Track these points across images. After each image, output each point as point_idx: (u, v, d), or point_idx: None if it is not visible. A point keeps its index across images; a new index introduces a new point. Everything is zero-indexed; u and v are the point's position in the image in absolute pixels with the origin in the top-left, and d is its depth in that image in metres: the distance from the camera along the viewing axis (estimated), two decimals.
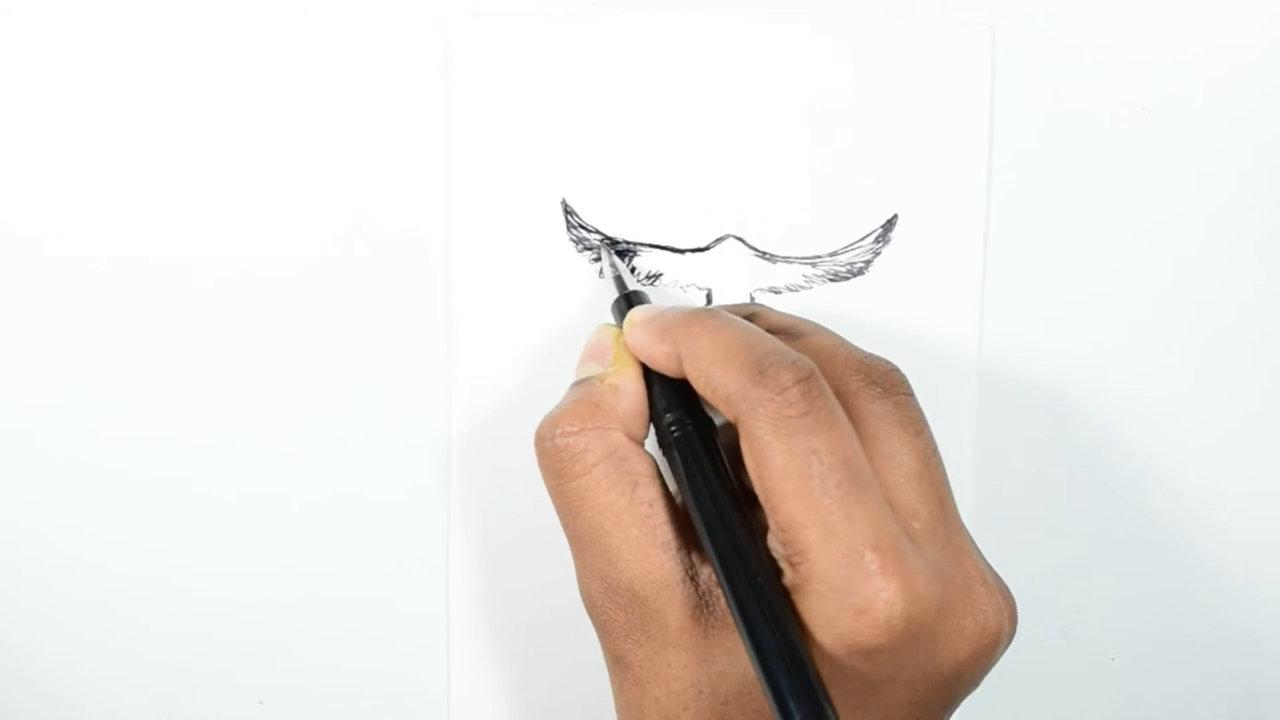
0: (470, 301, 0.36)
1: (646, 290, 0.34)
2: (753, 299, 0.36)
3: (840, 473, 0.26)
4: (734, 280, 0.36)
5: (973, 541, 0.29)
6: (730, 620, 0.28)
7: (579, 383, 0.31)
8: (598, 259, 0.36)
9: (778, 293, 0.37)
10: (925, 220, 0.37)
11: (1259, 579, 0.40)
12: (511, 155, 0.36)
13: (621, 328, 0.32)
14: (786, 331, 0.32)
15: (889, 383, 0.30)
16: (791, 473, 0.26)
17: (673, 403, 0.30)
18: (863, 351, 0.31)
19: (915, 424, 0.29)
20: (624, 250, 0.36)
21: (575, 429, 0.30)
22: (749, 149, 0.36)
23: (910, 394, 0.30)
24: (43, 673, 0.37)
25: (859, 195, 0.36)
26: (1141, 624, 0.38)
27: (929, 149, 0.36)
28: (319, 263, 0.36)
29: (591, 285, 0.36)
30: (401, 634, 0.38)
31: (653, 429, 0.31)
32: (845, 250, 0.37)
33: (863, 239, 0.37)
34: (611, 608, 0.29)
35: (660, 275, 0.36)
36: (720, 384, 0.28)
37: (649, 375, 0.31)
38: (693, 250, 0.36)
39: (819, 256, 0.37)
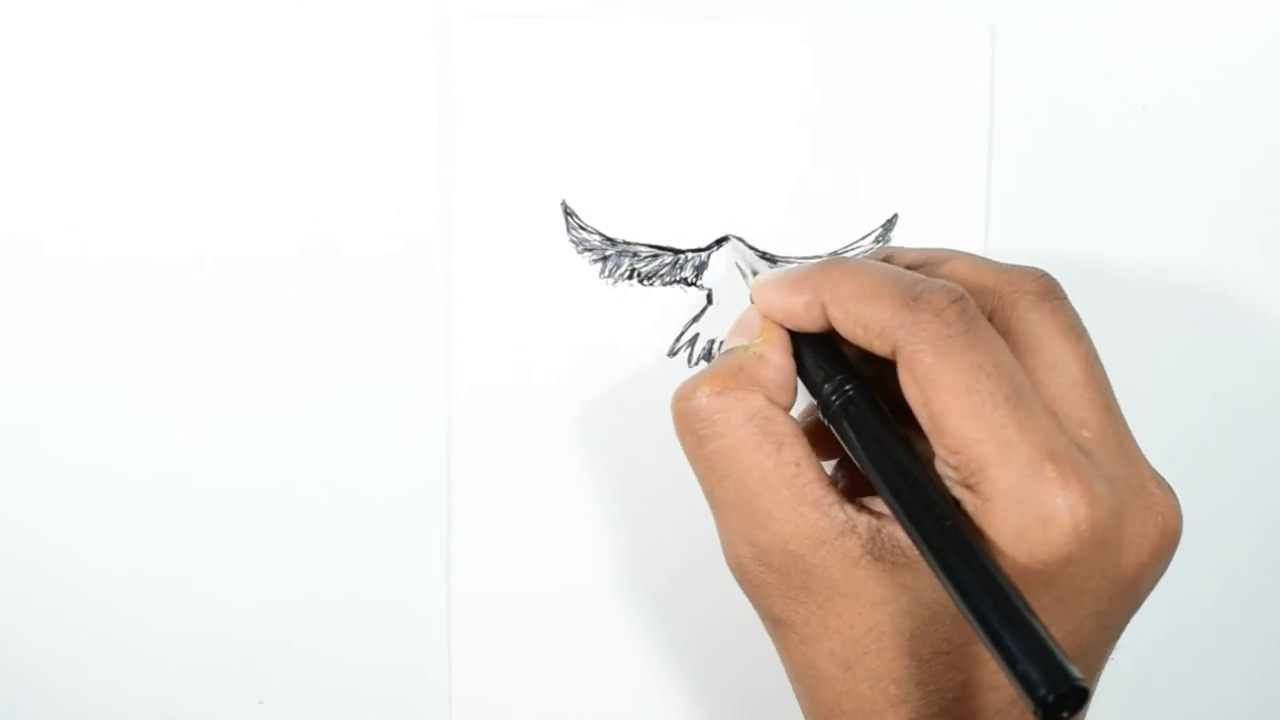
0: (471, 301, 0.36)
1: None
2: (753, 299, 0.36)
3: (1007, 387, 0.26)
4: (734, 280, 0.36)
5: (1137, 444, 0.29)
6: (901, 558, 0.27)
7: (722, 353, 0.31)
8: (598, 259, 0.36)
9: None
10: (925, 220, 0.37)
11: (1259, 579, 0.40)
12: (512, 156, 0.36)
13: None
14: (926, 263, 0.32)
15: (1042, 289, 0.29)
16: (960, 390, 0.26)
17: (828, 371, 0.30)
18: (1010, 264, 0.30)
19: (1074, 329, 0.29)
20: (624, 250, 0.36)
21: (716, 390, 0.29)
22: (749, 149, 0.36)
23: (1064, 298, 0.30)
24: (43, 673, 0.37)
25: (859, 195, 0.36)
26: (1141, 624, 0.38)
27: (929, 149, 0.36)
28: (320, 263, 0.36)
29: (592, 285, 0.36)
30: (402, 634, 0.38)
31: (812, 403, 0.31)
32: (845, 250, 0.37)
33: (863, 239, 0.37)
34: (764, 570, 0.29)
35: (660, 275, 0.36)
36: (872, 318, 0.28)
37: (799, 351, 0.31)
38: (693, 250, 0.36)
39: (819, 256, 0.37)
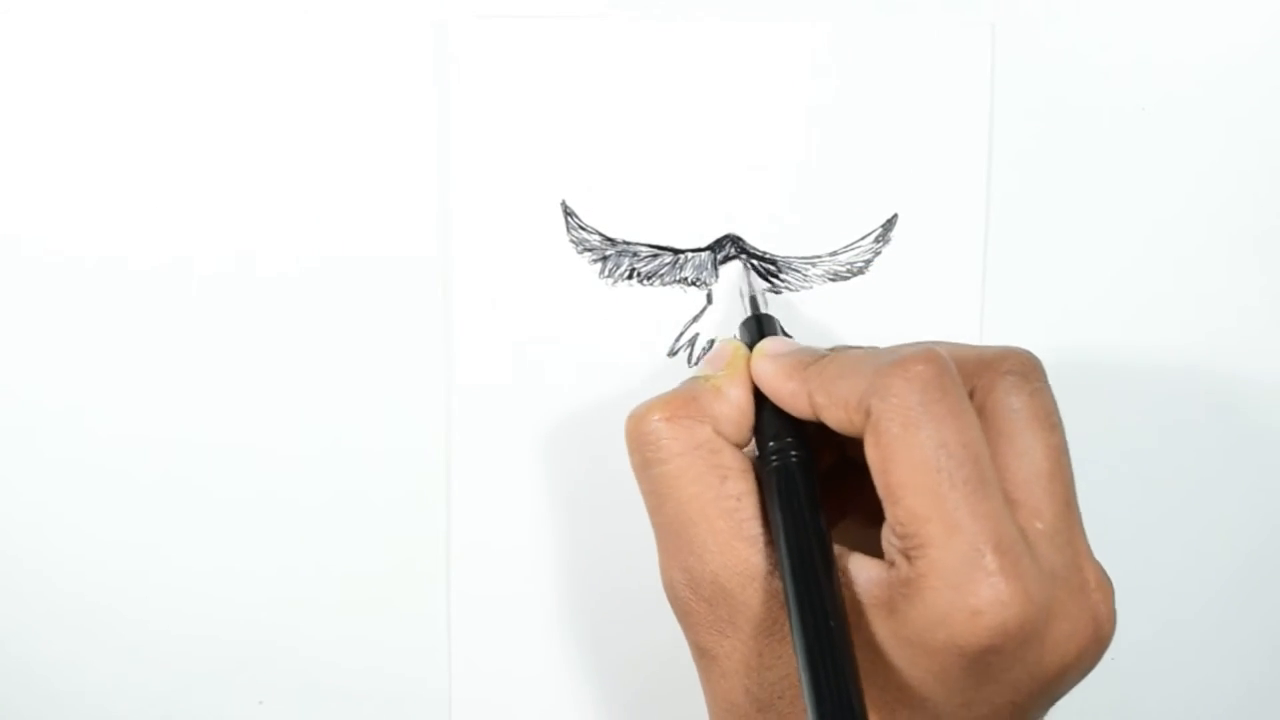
0: (470, 301, 0.36)
1: (774, 318, 0.34)
2: (753, 299, 0.36)
3: (967, 469, 0.26)
4: (734, 280, 0.36)
5: (1088, 542, 0.29)
6: None
7: (684, 381, 0.32)
8: (598, 259, 0.36)
9: (778, 293, 0.37)
10: (925, 220, 0.37)
11: (1259, 579, 0.40)
12: (511, 156, 0.36)
13: (744, 341, 0.33)
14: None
15: (1024, 369, 0.29)
16: (919, 466, 0.26)
17: (779, 430, 0.30)
18: (992, 346, 0.30)
19: (1050, 419, 0.29)
20: (624, 250, 0.36)
21: (665, 416, 0.30)
22: (749, 149, 0.36)
23: (1044, 382, 0.29)
24: (43, 673, 0.37)
25: (859, 195, 0.36)
26: (1142, 624, 0.38)
27: (929, 149, 0.36)
28: (319, 264, 0.36)
29: (592, 285, 0.36)
30: (402, 634, 0.38)
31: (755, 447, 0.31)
32: (845, 250, 0.37)
33: (863, 239, 0.37)
34: (694, 599, 0.29)
35: (660, 275, 0.36)
36: (850, 391, 0.28)
37: (760, 397, 0.31)
38: (693, 250, 0.36)
39: (819, 256, 0.37)
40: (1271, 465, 0.39)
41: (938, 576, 0.26)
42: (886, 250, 0.37)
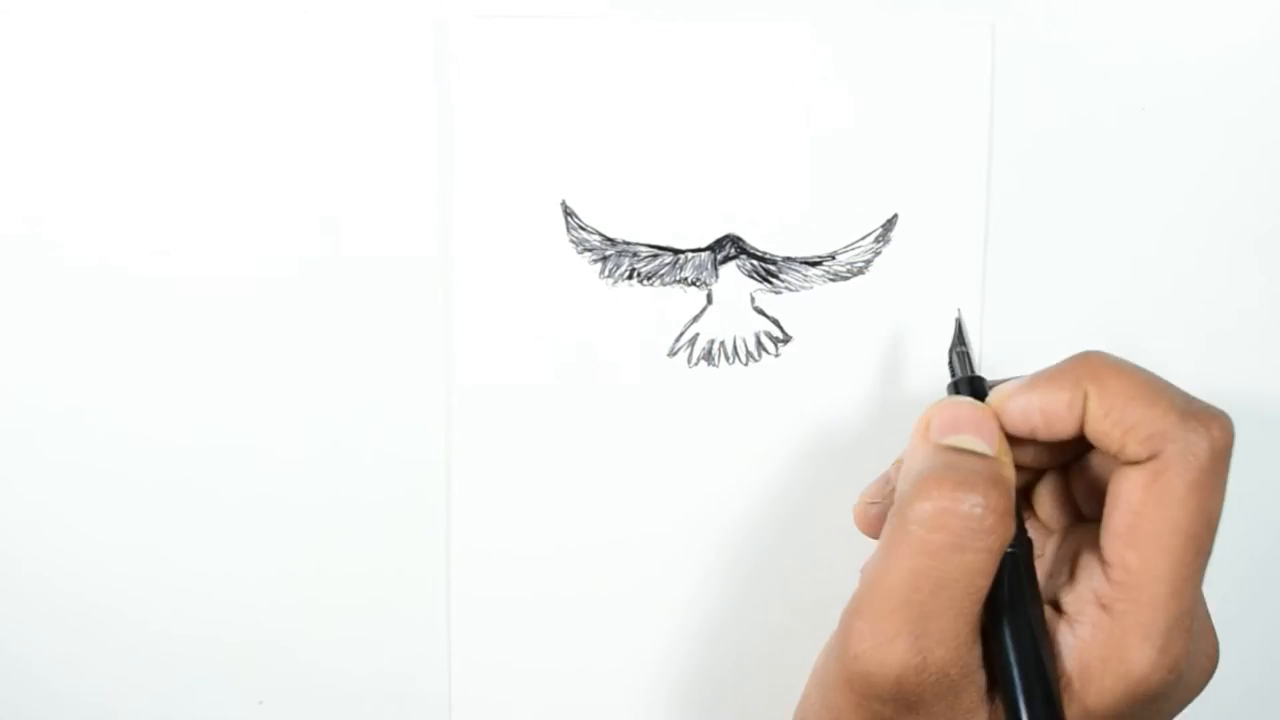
0: (471, 301, 0.36)
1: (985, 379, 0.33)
2: (753, 299, 0.36)
3: (1209, 543, 0.27)
4: (734, 281, 0.36)
5: None
6: None
7: (976, 454, 0.29)
8: (598, 259, 0.36)
9: (777, 293, 0.37)
10: (925, 220, 0.37)
11: (1260, 580, 0.40)
12: (512, 156, 0.36)
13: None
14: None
15: (1228, 437, 0.28)
16: (1182, 530, 0.26)
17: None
18: (1193, 399, 0.29)
19: (1223, 484, 0.28)
20: (624, 250, 0.36)
21: (1000, 509, 0.27)
22: (749, 149, 0.36)
23: (1228, 450, 0.28)
24: (43, 673, 0.37)
25: (859, 195, 0.36)
26: None
27: (929, 149, 0.36)
28: (319, 265, 0.36)
29: (592, 285, 0.36)
30: (402, 635, 0.38)
31: None
32: (845, 250, 0.37)
33: (863, 239, 0.37)
34: (918, 685, 0.28)
35: (660, 275, 0.36)
36: (1142, 422, 0.27)
37: None
38: (693, 250, 0.36)
39: (819, 256, 0.37)
40: (1272, 465, 0.39)
41: (1137, 632, 0.26)
42: (886, 250, 0.37)
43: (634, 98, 0.36)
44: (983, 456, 0.28)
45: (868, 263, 0.37)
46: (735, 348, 0.37)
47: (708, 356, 0.37)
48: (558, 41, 0.35)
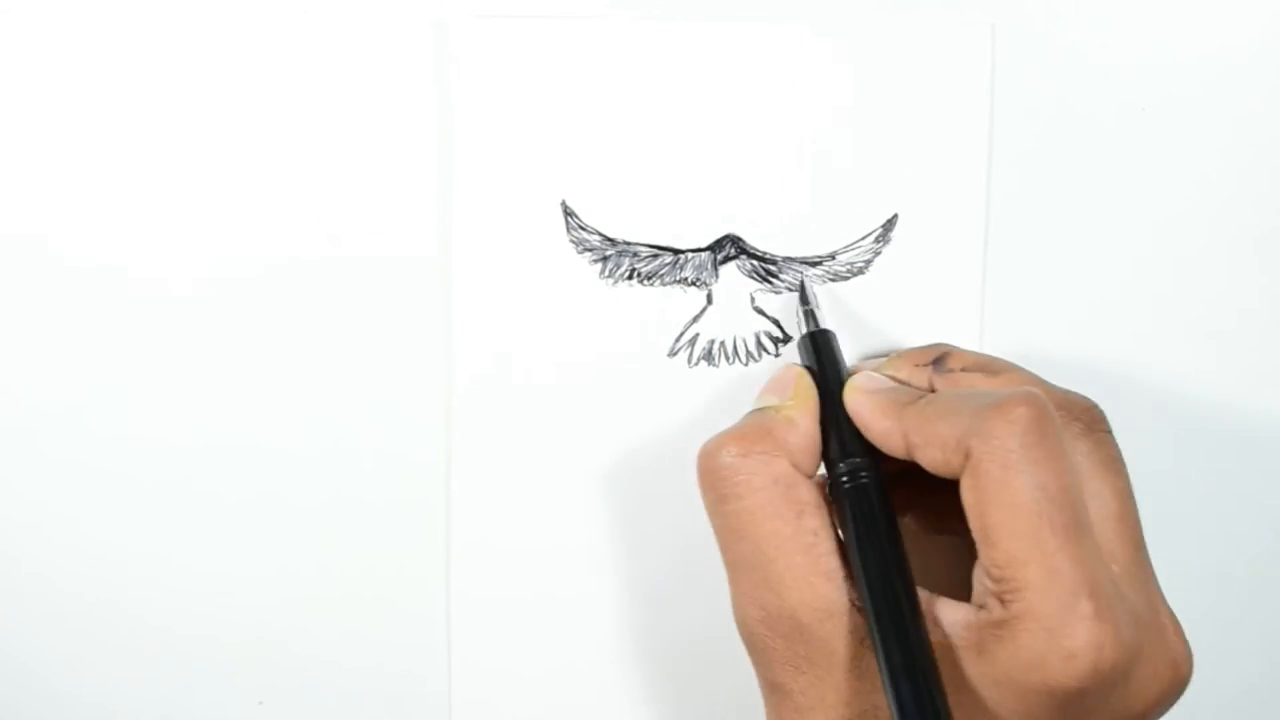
0: (470, 302, 0.36)
1: (832, 333, 0.35)
2: (753, 299, 0.36)
3: (1067, 513, 0.26)
4: (734, 281, 0.36)
5: (1159, 584, 0.30)
6: None
7: (753, 411, 0.31)
8: (598, 259, 0.36)
9: (778, 293, 0.37)
10: (925, 220, 0.37)
11: (1259, 579, 0.40)
12: (511, 156, 0.36)
13: (803, 363, 0.33)
14: (981, 369, 0.32)
15: (1090, 420, 0.29)
16: (1020, 510, 0.26)
17: (849, 451, 0.30)
18: (1060, 388, 0.30)
19: (1116, 463, 0.29)
20: (624, 250, 0.36)
21: (741, 451, 0.29)
22: (749, 149, 0.36)
23: (1109, 430, 0.30)
24: (43, 673, 0.37)
25: (859, 195, 0.36)
26: None
27: (929, 149, 0.36)
28: (318, 264, 0.36)
29: (592, 285, 0.36)
30: (402, 634, 0.38)
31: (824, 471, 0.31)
32: (845, 250, 0.37)
33: (863, 239, 0.37)
34: (770, 635, 0.29)
35: (660, 275, 0.36)
36: (947, 434, 0.28)
37: (826, 419, 0.31)
38: (693, 250, 0.36)
39: (819, 256, 0.37)
40: (1273, 466, 0.39)
41: (1034, 619, 0.26)
42: (886, 250, 0.37)
43: (634, 98, 0.36)
44: (767, 410, 0.31)
45: (868, 263, 0.37)
46: (735, 348, 0.37)
47: (708, 356, 0.37)
48: (558, 41, 0.35)
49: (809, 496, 0.29)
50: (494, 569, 0.37)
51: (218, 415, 0.36)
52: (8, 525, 0.36)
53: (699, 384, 0.37)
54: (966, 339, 0.37)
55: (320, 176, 0.35)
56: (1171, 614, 0.29)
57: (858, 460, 0.30)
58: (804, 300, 0.35)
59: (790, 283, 0.37)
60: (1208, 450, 0.39)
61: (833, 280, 0.37)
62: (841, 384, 0.32)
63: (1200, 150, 0.37)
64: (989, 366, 0.32)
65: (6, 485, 0.36)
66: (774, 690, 0.30)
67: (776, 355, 0.37)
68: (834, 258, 0.37)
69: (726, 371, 0.37)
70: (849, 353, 0.35)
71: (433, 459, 0.37)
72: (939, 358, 0.32)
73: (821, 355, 0.34)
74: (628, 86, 0.35)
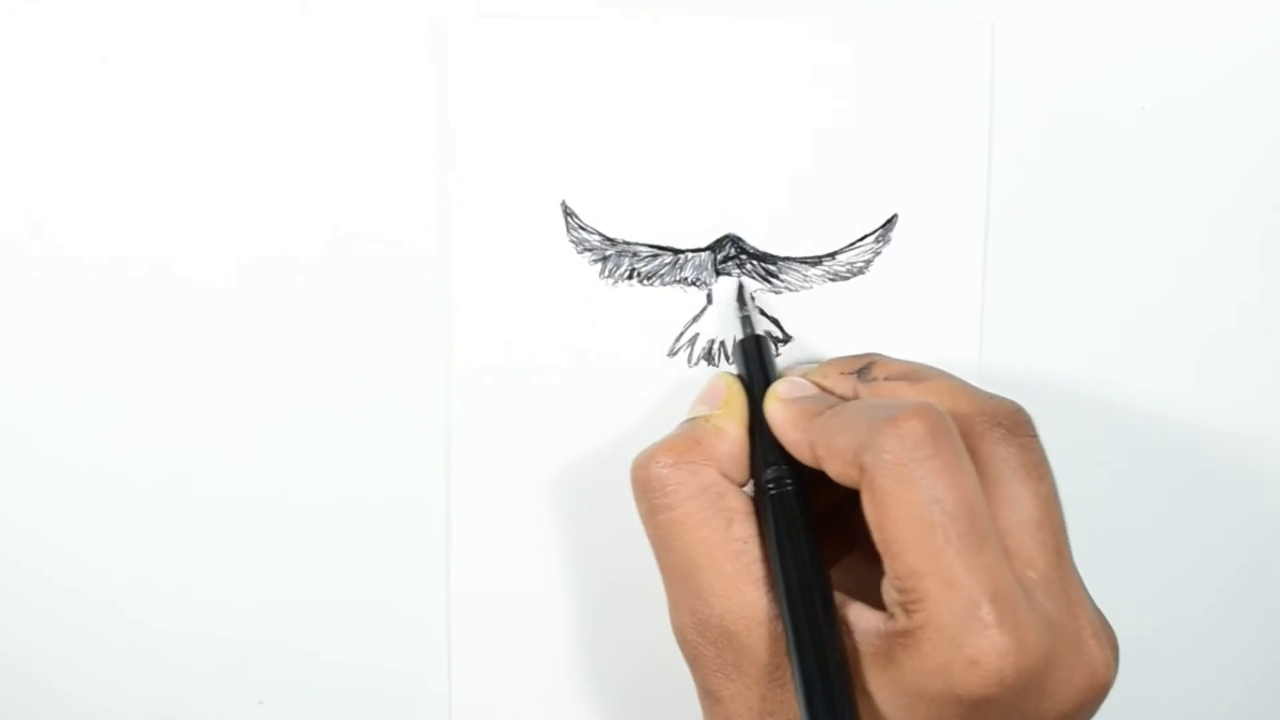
0: (470, 302, 0.36)
1: (767, 339, 0.35)
2: (753, 299, 0.36)
3: (962, 522, 0.26)
4: (734, 281, 0.36)
5: (1085, 590, 0.29)
6: None
7: (684, 421, 0.32)
8: (598, 259, 0.36)
9: (777, 293, 0.37)
10: (925, 220, 0.37)
11: (1259, 579, 0.40)
12: (511, 156, 0.36)
13: (737, 370, 0.33)
14: (905, 377, 0.32)
15: (1013, 424, 0.29)
16: (914, 522, 0.26)
17: (774, 458, 0.30)
18: (986, 393, 0.30)
19: (1039, 468, 0.29)
20: (624, 250, 0.36)
21: (671, 461, 0.30)
22: (748, 149, 0.36)
23: (1034, 435, 0.30)
24: (43, 672, 0.37)
25: (859, 195, 0.36)
26: (1142, 624, 0.38)
27: (929, 149, 0.36)
28: (319, 263, 0.36)
29: (592, 285, 0.36)
30: (402, 634, 0.38)
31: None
32: (845, 250, 0.37)
33: (863, 239, 0.37)
34: (702, 643, 0.29)
35: (660, 275, 0.36)
36: (846, 446, 0.28)
37: (754, 427, 0.31)
38: (693, 250, 0.36)
39: (819, 256, 0.37)
40: (1273, 465, 0.39)
41: (935, 629, 0.26)
42: (886, 250, 0.37)
43: (634, 98, 0.36)
44: (697, 420, 0.31)
45: (868, 263, 0.37)
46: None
47: (708, 356, 0.37)
48: (558, 41, 0.35)
49: (738, 505, 0.30)
50: (494, 569, 0.37)
51: (218, 414, 0.36)
52: (7, 525, 0.37)
53: (699, 384, 0.37)
54: (966, 339, 0.37)
55: (320, 176, 0.35)
56: (1097, 619, 0.29)
57: (782, 468, 0.30)
58: (741, 304, 0.35)
59: (790, 283, 0.37)
60: (1208, 450, 0.39)
61: (833, 280, 0.37)
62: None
63: (1200, 150, 0.37)
64: (913, 374, 0.32)
65: (6, 485, 0.36)
66: (707, 696, 0.30)
67: (777, 355, 0.37)
68: (834, 258, 0.37)
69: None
70: (848, 352, 0.35)
71: (433, 458, 0.37)
72: (864, 367, 0.33)
73: (750, 363, 0.34)
74: (627, 86, 0.35)
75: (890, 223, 0.37)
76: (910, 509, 0.26)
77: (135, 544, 0.37)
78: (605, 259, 0.36)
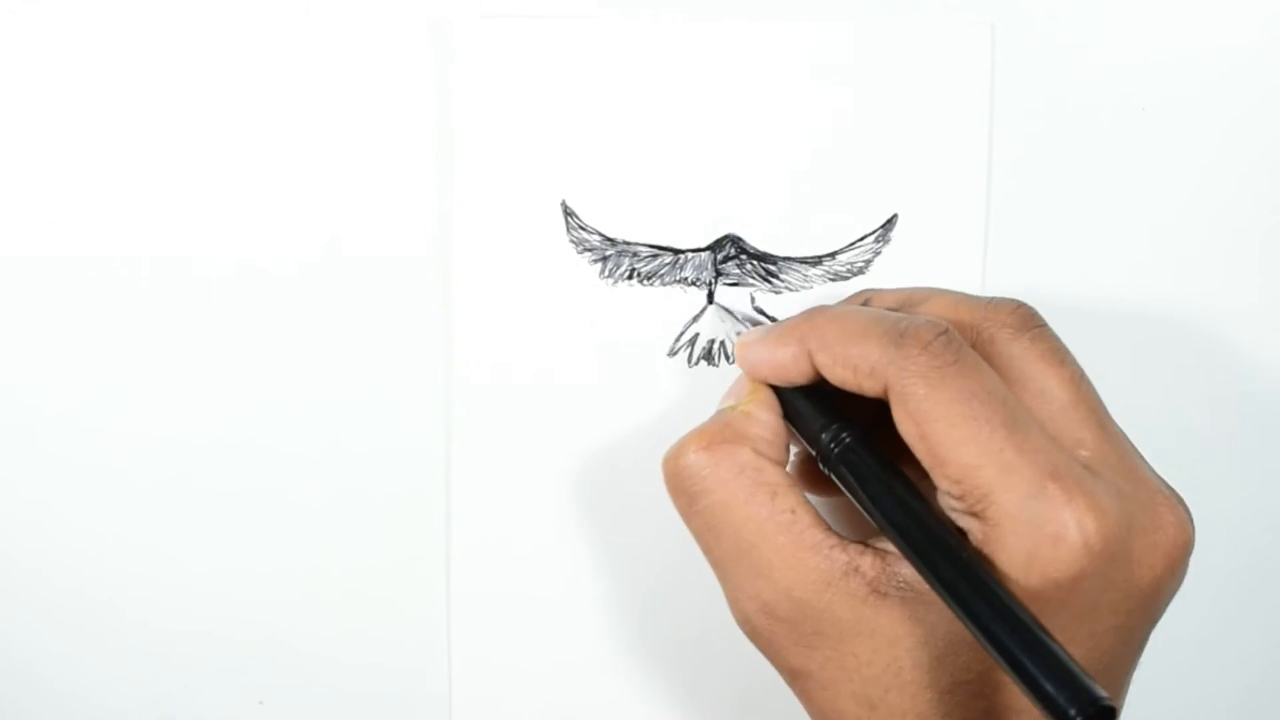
0: (470, 302, 0.36)
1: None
2: (753, 299, 0.36)
3: (1002, 412, 0.26)
4: (745, 293, 0.36)
5: (1142, 456, 0.29)
6: (909, 592, 0.27)
7: (712, 416, 0.31)
8: (598, 259, 0.36)
9: (778, 292, 0.37)
10: (925, 220, 0.37)
11: (1259, 580, 0.40)
12: (512, 156, 0.36)
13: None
14: (904, 304, 0.32)
15: (1019, 320, 0.30)
16: (956, 418, 0.26)
17: (823, 421, 0.30)
18: (985, 298, 0.30)
19: (1056, 354, 0.29)
20: (624, 250, 0.36)
21: (703, 446, 0.30)
22: (749, 149, 0.36)
23: (1043, 324, 0.30)
24: (43, 672, 0.37)
25: (859, 195, 0.36)
26: None
27: (929, 149, 0.36)
28: (319, 263, 0.36)
29: (592, 285, 0.36)
30: (402, 634, 0.38)
31: (809, 454, 0.31)
32: (845, 250, 0.37)
33: (863, 239, 0.37)
34: (773, 623, 0.29)
35: (660, 275, 0.36)
36: (860, 359, 0.28)
37: (792, 406, 0.31)
38: (693, 250, 0.36)
39: (819, 256, 0.37)
40: (1273, 465, 0.39)
41: (1009, 519, 0.26)
42: (886, 250, 0.37)
43: (634, 98, 0.36)
44: (724, 410, 0.31)
45: (868, 263, 0.37)
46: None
47: (708, 356, 0.37)
48: (558, 41, 0.35)
49: (778, 478, 0.29)
50: (494, 568, 0.37)
51: (219, 415, 0.36)
52: (8, 525, 0.37)
53: (699, 384, 0.37)
54: None
55: (320, 176, 0.35)
56: (1161, 485, 0.29)
57: (835, 426, 0.30)
58: (724, 320, 0.36)
59: (790, 283, 0.37)
60: (1208, 449, 0.39)
61: (833, 280, 0.37)
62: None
63: (1200, 150, 0.37)
64: (910, 299, 0.32)
65: (6, 485, 0.36)
66: (795, 676, 0.29)
67: None
68: (834, 257, 0.37)
69: (726, 371, 0.37)
70: None
71: (433, 459, 0.37)
72: (864, 303, 0.33)
73: None
74: (628, 86, 0.35)
75: (890, 223, 0.37)
76: (951, 407, 0.26)
77: (135, 544, 0.37)
78: (605, 259, 0.36)
